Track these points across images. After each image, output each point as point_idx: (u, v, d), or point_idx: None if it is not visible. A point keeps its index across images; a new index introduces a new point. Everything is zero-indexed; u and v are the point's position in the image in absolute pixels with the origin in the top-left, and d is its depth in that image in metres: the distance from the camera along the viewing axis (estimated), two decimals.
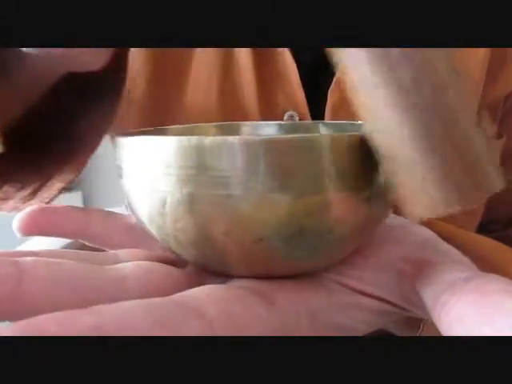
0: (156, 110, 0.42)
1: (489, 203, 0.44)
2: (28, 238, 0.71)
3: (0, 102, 0.26)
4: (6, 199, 0.30)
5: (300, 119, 0.39)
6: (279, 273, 0.20)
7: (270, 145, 0.17)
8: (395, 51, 0.20)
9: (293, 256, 0.20)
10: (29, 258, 0.17)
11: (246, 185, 0.18)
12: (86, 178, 1.69)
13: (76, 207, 0.24)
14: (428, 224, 0.31)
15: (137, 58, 0.42)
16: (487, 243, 0.32)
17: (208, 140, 0.18)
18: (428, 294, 0.19)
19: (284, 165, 0.17)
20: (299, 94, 0.39)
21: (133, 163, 0.20)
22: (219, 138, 0.18)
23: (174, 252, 0.21)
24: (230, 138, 0.18)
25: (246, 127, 0.30)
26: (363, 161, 0.18)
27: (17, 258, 0.17)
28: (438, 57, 0.20)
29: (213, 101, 0.41)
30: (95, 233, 0.24)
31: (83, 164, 0.29)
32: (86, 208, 0.24)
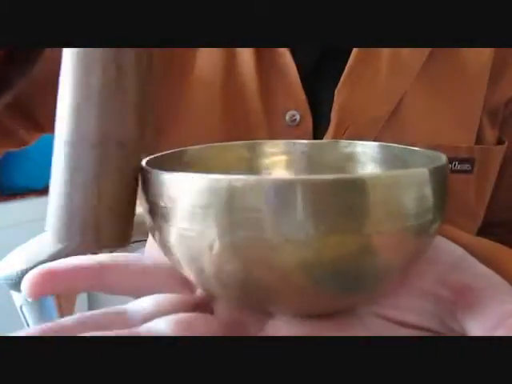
0: (160, 109, 0.42)
1: (490, 206, 0.44)
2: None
3: None
4: None
5: (301, 119, 0.39)
6: (327, 311, 0.20)
7: (323, 186, 0.17)
8: None
9: (345, 294, 0.19)
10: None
11: (298, 229, 0.17)
12: None
13: (86, 258, 0.23)
14: None
15: None
16: (492, 246, 0.31)
17: (268, 182, 0.17)
18: (476, 327, 0.18)
19: (336, 206, 0.17)
20: (299, 94, 0.39)
21: (172, 201, 0.18)
22: (279, 180, 0.17)
23: (209, 291, 0.20)
24: (290, 181, 0.17)
25: (266, 147, 0.29)
26: (415, 198, 0.18)
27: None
28: None
29: (215, 100, 0.40)
30: (110, 282, 0.23)
31: None
32: (97, 258, 0.23)
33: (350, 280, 0.18)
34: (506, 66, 0.41)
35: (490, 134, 0.42)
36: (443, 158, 0.20)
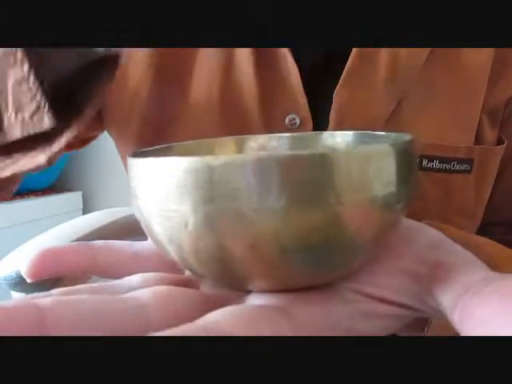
0: (160, 110, 0.42)
1: (489, 206, 0.44)
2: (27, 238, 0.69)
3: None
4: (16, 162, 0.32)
5: (301, 122, 0.39)
6: (300, 285, 0.21)
7: (289, 161, 0.18)
8: None
9: (315, 267, 0.20)
10: (47, 299, 0.17)
11: (267, 200, 0.18)
12: (86, 177, 1.69)
13: (81, 243, 0.24)
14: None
15: (141, 59, 0.42)
16: (491, 246, 0.32)
17: (227, 159, 0.18)
18: (446, 297, 0.19)
19: (301, 180, 0.18)
20: (300, 98, 0.39)
21: (150, 185, 0.20)
22: (237, 157, 0.18)
23: (191, 270, 0.21)
24: (261, 157, 0.18)
25: (251, 142, 0.30)
26: (376, 172, 0.19)
27: (35, 301, 0.16)
28: None
29: (214, 102, 0.40)
30: (103, 266, 0.24)
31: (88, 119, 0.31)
32: (91, 243, 0.24)
33: (321, 253, 0.19)
34: (505, 66, 0.41)
35: (490, 134, 0.42)
36: (407, 137, 0.22)
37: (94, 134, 0.51)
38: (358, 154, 0.19)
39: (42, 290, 0.22)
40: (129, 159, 0.21)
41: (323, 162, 0.18)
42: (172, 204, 0.19)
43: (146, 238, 0.27)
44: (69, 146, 0.50)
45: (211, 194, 0.18)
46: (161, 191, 0.19)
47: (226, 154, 0.29)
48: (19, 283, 0.59)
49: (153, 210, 0.20)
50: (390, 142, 0.20)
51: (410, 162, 0.21)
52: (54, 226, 0.71)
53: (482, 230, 0.45)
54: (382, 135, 0.26)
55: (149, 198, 0.20)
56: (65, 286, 0.20)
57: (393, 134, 0.25)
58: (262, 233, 0.18)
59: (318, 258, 0.19)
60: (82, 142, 0.51)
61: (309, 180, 0.18)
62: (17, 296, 0.62)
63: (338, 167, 0.18)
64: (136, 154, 0.23)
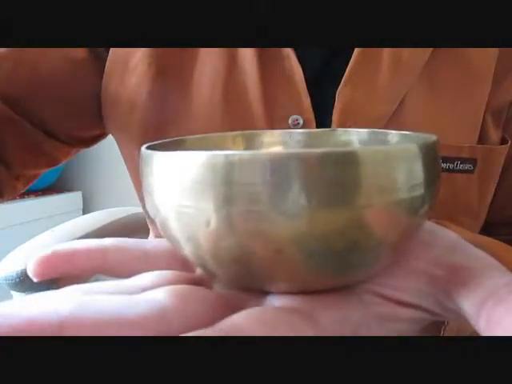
0: (161, 110, 0.42)
1: (493, 206, 0.44)
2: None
3: None
4: None
5: (304, 122, 0.39)
6: (321, 287, 0.20)
7: (321, 160, 0.17)
8: None
9: (341, 270, 0.19)
10: (67, 303, 0.16)
11: (293, 201, 0.17)
12: (86, 177, 1.69)
13: (91, 241, 0.24)
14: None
15: (140, 60, 0.42)
16: (497, 246, 0.31)
17: (263, 157, 0.17)
18: (467, 302, 0.19)
19: (330, 179, 0.17)
20: (304, 99, 0.39)
21: (168, 179, 0.19)
22: (273, 154, 0.17)
23: (206, 269, 0.21)
24: (284, 154, 0.17)
25: (262, 137, 0.29)
26: (406, 172, 0.18)
27: (55, 306, 0.16)
28: None
29: (217, 103, 0.40)
30: (112, 265, 0.23)
31: None
32: (101, 241, 0.24)
33: (343, 254, 0.19)
34: (509, 67, 0.41)
35: (494, 134, 0.42)
36: (433, 137, 0.21)
37: (95, 132, 0.50)
38: (386, 153, 0.18)
39: (42, 290, 0.22)
40: (144, 152, 0.20)
41: (351, 161, 0.17)
42: (191, 200, 0.18)
43: (146, 238, 0.27)
44: (73, 147, 0.50)
45: (233, 192, 0.17)
46: (180, 186, 0.18)
47: (240, 150, 0.28)
48: (19, 283, 0.59)
49: (170, 205, 0.19)
50: (419, 143, 0.19)
51: (435, 163, 0.20)
52: (54, 226, 0.71)
53: (485, 231, 0.45)
54: (401, 134, 0.25)
55: (166, 193, 0.19)
56: (65, 282, 0.19)
57: (413, 134, 0.25)
58: (286, 238, 0.18)
59: (341, 261, 0.19)
60: (84, 142, 0.50)
61: (338, 179, 0.17)
62: (17, 296, 0.62)
63: (367, 166, 0.17)
64: (148, 148, 0.22)
